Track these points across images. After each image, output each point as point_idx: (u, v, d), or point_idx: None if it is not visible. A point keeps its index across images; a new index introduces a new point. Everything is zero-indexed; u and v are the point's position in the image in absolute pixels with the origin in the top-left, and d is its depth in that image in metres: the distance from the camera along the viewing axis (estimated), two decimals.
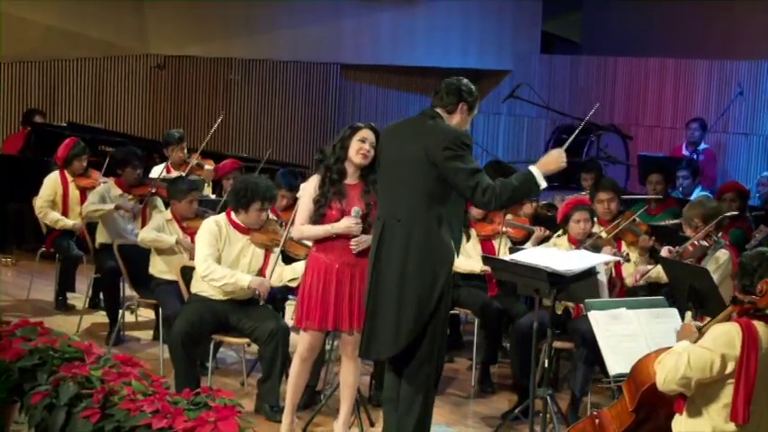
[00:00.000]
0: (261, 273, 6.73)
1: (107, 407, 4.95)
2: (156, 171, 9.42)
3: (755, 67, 12.88)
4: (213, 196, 9.08)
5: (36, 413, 5.18)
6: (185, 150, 9.55)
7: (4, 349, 5.68)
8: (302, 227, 5.85)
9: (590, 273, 5.73)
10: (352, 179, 5.80)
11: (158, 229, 7.57)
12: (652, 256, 7.63)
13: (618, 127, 13.60)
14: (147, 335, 8.59)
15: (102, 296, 9.07)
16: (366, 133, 5.72)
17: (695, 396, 4.23)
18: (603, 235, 7.30)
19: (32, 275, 9.65)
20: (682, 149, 12.26)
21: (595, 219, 7.58)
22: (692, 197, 10.46)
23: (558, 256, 5.85)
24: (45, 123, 11.87)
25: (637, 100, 13.98)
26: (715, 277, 6.48)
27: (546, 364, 6.13)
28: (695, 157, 11.71)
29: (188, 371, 6.43)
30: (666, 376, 4.19)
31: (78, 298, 9.30)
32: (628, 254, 7.26)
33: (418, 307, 5.22)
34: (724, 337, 4.17)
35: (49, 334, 5.87)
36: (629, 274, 7.50)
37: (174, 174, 9.34)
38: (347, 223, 5.71)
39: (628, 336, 4.91)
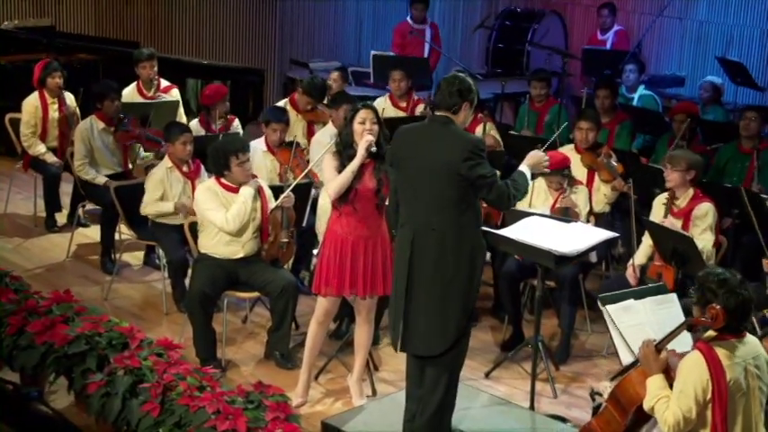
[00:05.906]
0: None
1: (165, 401, 5.41)
2: (127, 93, 9.47)
3: None
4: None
5: (94, 402, 5.61)
6: (155, 68, 9.64)
7: (46, 330, 6.05)
8: (332, 182, 6.19)
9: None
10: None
11: (156, 191, 7.76)
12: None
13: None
14: (135, 258, 8.91)
15: (80, 213, 9.41)
16: (363, 114, 6.16)
17: None
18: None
19: (9, 188, 9.91)
20: (597, 36, 12.63)
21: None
22: (636, 95, 10.95)
23: (558, 230, 6.20)
24: None
25: None
26: (707, 228, 7.11)
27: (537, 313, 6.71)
28: (608, 41, 12.11)
29: (206, 328, 6.87)
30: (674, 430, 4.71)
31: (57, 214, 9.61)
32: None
33: (464, 304, 5.56)
34: (694, 372, 4.65)
35: (86, 310, 6.25)
36: (598, 201, 8.11)
37: (149, 94, 9.56)
38: (361, 152, 6.08)
39: (635, 326, 5.39)
